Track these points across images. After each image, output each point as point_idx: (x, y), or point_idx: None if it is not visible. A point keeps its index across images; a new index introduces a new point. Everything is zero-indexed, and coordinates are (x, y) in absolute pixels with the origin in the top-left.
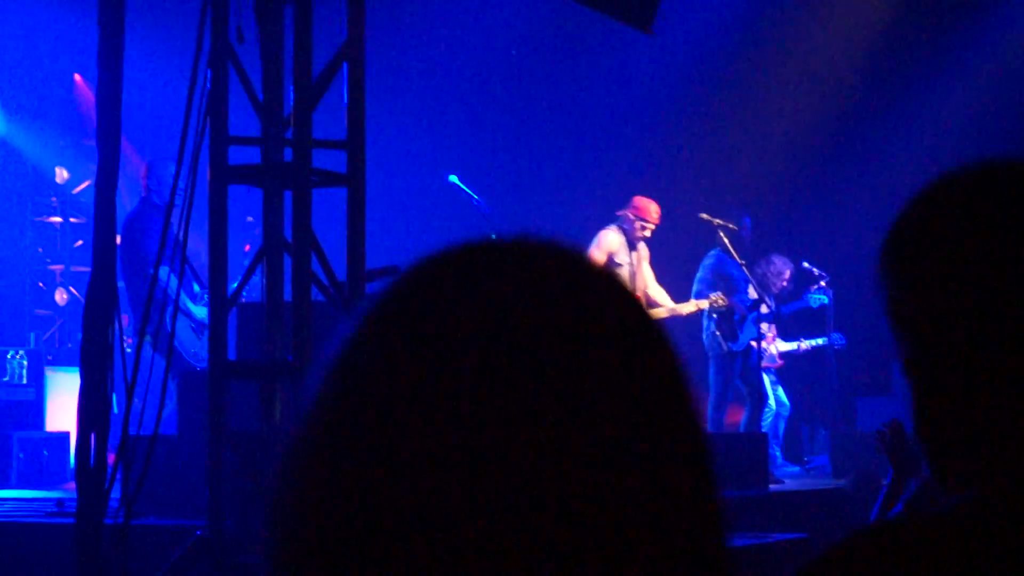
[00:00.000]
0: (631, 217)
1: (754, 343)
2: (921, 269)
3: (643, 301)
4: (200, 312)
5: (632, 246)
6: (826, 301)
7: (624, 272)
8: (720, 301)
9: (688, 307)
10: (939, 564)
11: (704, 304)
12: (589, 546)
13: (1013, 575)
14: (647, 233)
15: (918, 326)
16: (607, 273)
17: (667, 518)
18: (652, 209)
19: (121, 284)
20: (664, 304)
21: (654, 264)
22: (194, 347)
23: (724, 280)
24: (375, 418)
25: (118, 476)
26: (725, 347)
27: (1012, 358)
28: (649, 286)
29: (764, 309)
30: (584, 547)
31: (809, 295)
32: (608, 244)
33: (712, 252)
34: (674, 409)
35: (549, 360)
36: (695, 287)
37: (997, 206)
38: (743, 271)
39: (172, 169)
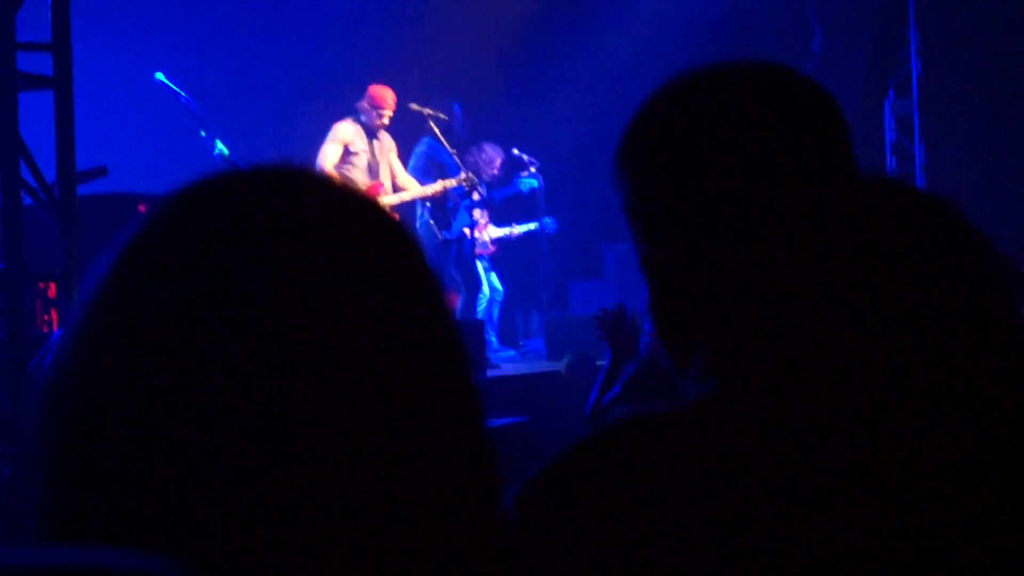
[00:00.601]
0: (367, 107)
1: (467, 230)
2: (655, 166)
3: (389, 189)
4: None
5: (372, 136)
6: (536, 185)
7: (362, 161)
8: (471, 178)
9: (435, 187)
10: (681, 459)
11: (451, 182)
12: (353, 450)
13: (747, 468)
14: (385, 121)
15: (653, 222)
16: (369, 200)
17: (435, 457)
18: (387, 96)
19: None
20: (411, 189)
21: None
22: None
23: (437, 167)
24: (126, 363)
25: None
26: (440, 235)
27: (740, 252)
28: (397, 175)
29: (476, 196)
30: (348, 451)
31: (519, 179)
32: (342, 135)
33: (423, 139)
34: (423, 305)
35: (315, 291)
36: (409, 174)
37: (727, 106)
38: (454, 158)
39: None
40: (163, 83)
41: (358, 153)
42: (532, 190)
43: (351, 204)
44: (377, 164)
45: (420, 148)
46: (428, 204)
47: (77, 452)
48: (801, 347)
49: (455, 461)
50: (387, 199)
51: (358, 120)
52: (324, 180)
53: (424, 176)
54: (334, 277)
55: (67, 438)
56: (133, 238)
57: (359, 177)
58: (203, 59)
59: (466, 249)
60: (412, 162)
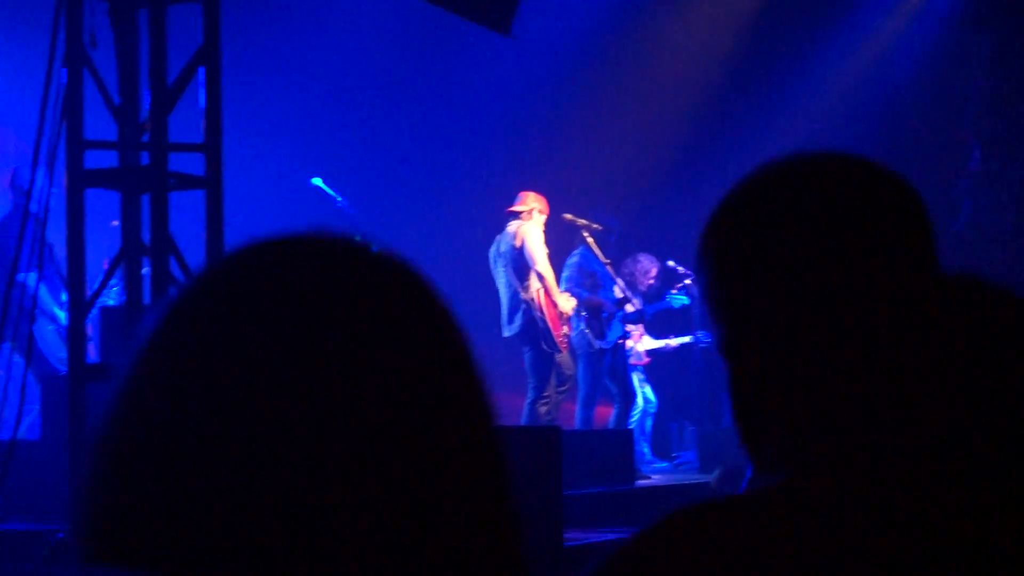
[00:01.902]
0: (538, 213)
1: (621, 341)
2: (736, 256)
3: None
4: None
5: None
6: (687, 302)
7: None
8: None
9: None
10: (737, 546)
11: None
12: (376, 547)
13: (806, 559)
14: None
15: (733, 311)
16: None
17: (453, 514)
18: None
19: None
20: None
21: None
22: (61, 352)
23: (589, 277)
24: (168, 418)
25: None
26: (595, 345)
27: (816, 345)
28: None
29: (630, 308)
30: (369, 548)
31: (670, 296)
32: (540, 236)
33: (576, 251)
34: (461, 398)
35: (336, 351)
36: (563, 286)
37: (809, 197)
38: (606, 269)
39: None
40: (319, 187)
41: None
42: (683, 306)
43: (387, 270)
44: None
45: (573, 259)
46: (584, 313)
47: (116, 493)
48: (873, 443)
49: (473, 527)
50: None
51: (536, 224)
52: (360, 247)
53: (577, 286)
54: (363, 341)
55: (111, 474)
56: (180, 297)
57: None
58: (357, 163)
59: (620, 359)
60: (565, 272)
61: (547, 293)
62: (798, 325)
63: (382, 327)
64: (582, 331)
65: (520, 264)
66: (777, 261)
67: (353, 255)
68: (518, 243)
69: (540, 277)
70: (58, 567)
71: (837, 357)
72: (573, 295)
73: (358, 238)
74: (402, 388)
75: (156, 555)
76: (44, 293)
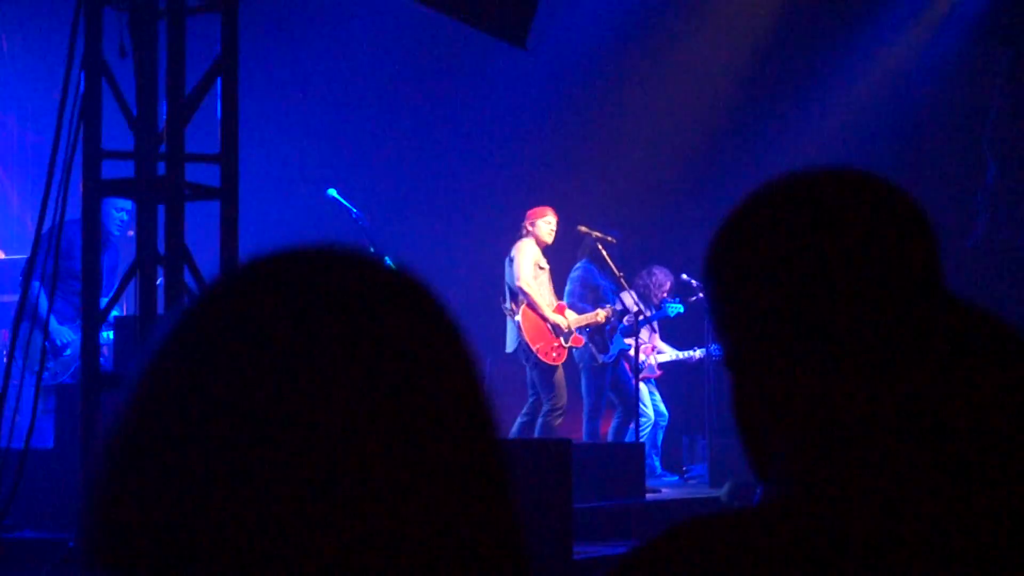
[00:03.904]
0: (544, 224)
1: (634, 353)
2: (740, 271)
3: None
4: (59, 331)
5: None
6: (682, 310)
7: (545, 278)
8: (616, 312)
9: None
10: (743, 558)
11: (603, 314)
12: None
13: (806, 572)
14: (551, 238)
15: (738, 324)
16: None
17: (456, 524)
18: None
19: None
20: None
21: None
22: (48, 363)
23: (592, 291)
24: (176, 427)
25: None
26: (598, 360)
27: (822, 359)
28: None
29: (626, 321)
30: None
31: (667, 304)
32: (532, 254)
33: (579, 264)
34: (467, 412)
35: (344, 363)
36: (566, 300)
37: (810, 213)
38: (610, 282)
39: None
40: (335, 199)
41: (544, 270)
42: (678, 314)
43: (396, 285)
44: (549, 282)
45: (575, 273)
46: (587, 328)
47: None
48: (878, 458)
49: (478, 538)
50: (576, 319)
51: (533, 239)
52: (370, 261)
53: (580, 300)
54: (370, 353)
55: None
56: (192, 307)
57: (547, 294)
58: (372, 175)
59: (621, 371)
60: (568, 286)
61: (529, 308)
62: (802, 339)
63: (389, 341)
64: (586, 345)
65: (510, 282)
66: (781, 275)
67: (363, 268)
68: (511, 259)
69: (522, 292)
70: (72, 575)
71: (841, 371)
72: (575, 310)
73: (369, 251)
74: (407, 401)
75: (161, 564)
76: (43, 303)
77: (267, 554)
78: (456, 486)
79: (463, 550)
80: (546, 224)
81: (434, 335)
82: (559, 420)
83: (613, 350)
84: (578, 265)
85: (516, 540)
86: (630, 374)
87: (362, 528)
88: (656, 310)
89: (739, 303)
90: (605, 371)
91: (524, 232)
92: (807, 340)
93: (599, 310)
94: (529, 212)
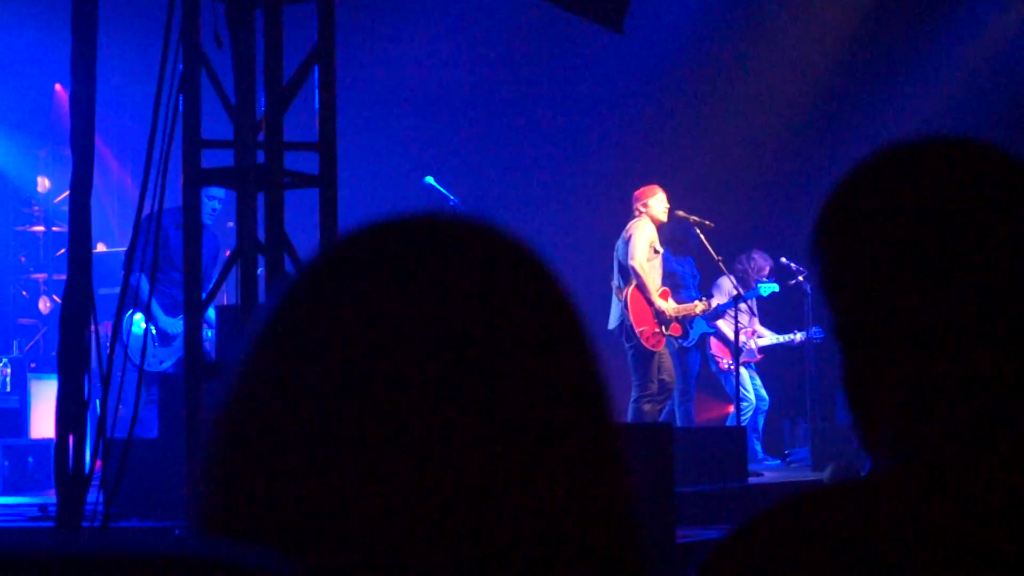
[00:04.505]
0: (656, 204)
1: (734, 337)
2: (852, 240)
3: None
4: (167, 321)
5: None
6: (776, 289)
7: (658, 261)
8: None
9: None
10: (854, 529)
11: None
12: (494, 532)
13: (923, 543)
14: (666, 216)
15: (848, 294)
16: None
17: (573, 507)
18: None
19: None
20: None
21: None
22: (154, 350)
23: (669, 277)
24: (290, 403)
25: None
26: (676, 344)
27: (934, 325)
28: None
29: (701, 308)
30: (490, 534)
31: (759, 284)
32: (649, 233)
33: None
34: (581, 387)
35: (456, 337)
36: None
37: (927, 181)
38: (687, 267)
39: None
40: (432, 186)
41: (659, 253)
42: (772, 293)
43: (504, 247)
44: (660, 266)
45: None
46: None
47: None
48: (996, 419)
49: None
50: (678, 307)
51: (648, 219)
52: (477, 226)
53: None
54: (484, 326)
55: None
56: (301, 276)
57: (656, 277)
58: (470, 162)
59: (705, 354)
60: None
61: (638, 290)
62: (915, 309)
63: (504, 312)
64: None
65: (623, 260)
66: (895, 244)
67: (466, 232)
68: (626, 238)
69: (634, 273)
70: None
71: (955, 342)
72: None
73: (469, 217)
74: (523, 376)
75: (272, 550)
76: (144, 292)
77: (386, 541)
78: (574, 467)
79: (581, 535)
80: (659, 203)
81: (551, 306)
82: (648, 406)
83: (694, 334)
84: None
85: (632, 524)
86: (715, 357)
87: (481, 510)
88: (754, 293)
89: (851, 274)
90: (688, 354)
91: (637, 213)
92: (922, 312)
93: (697, 302)
94: (637, 193)
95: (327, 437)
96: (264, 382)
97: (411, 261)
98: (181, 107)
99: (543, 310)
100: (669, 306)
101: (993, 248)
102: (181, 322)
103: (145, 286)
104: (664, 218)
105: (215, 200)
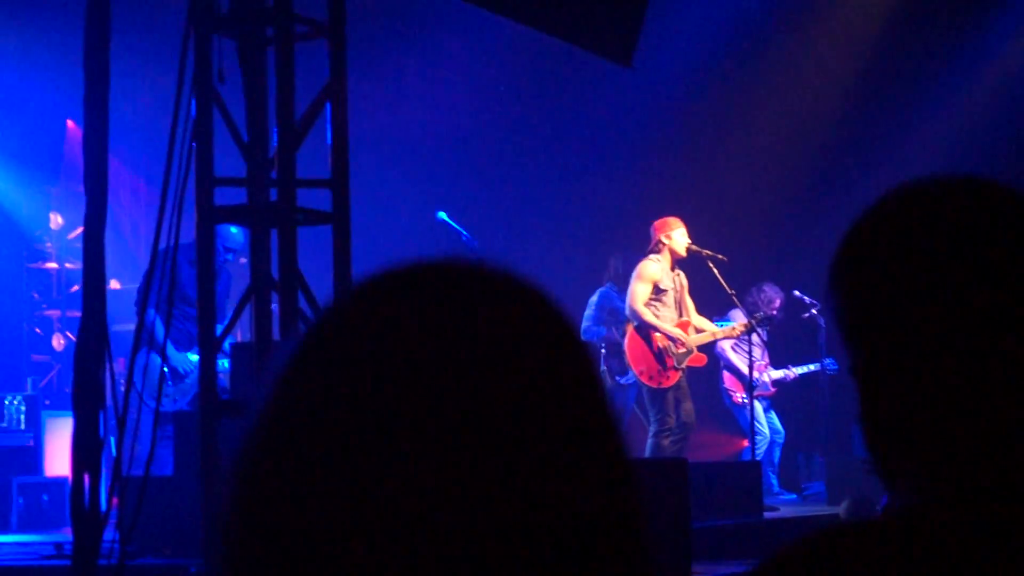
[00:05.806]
0: (673, 239)
1: (747, 371)
2: (869, 279)
3: (686, 326)
4: (180, 359)
5: (673, 272)
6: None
7: (670, 298)
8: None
9: (728, 331)
10: (874, 571)
11: (740, 328)
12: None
13: None
14: (683, 250)
15: (865, 333)
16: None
17: (587, 544)
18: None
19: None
20: (707, 329)
21: None
22: (168, 389)
23: (611, 314)
24: (307, 440)
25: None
26: (611, 380)
27: (951, 366)
28: (691, 313)
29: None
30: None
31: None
32: (651, 274)
33: (599, 290)
34: (590, 418)
35: (471, 377)
36: (584, 324)
37: (943, 220)
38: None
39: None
40: (445, 221)
41: (667, 291)
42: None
43: (516, 296)
44: (682, 300)
45: (593, 298)
46: (603, 350)
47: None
48: (1009, 469)
49: (607, 556)
50: (695, 338)
51: (659, 258)
52: (490, 271)
53: (596, 323)
54: (496, 370)
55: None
56: (320, 320)
57: (668, 314)
58: (482, 197)
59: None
60: (587, 311)
61: (636, 332)
62: (933, 348)
63: (516, 355)
64: (600, 368)
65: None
66: (912, 284)
67: (483, 279)
68: (633, 276)
69: (632, 316)
70: None
71: (973, 380)
72: (590, 333)
73: (486, 263)
74: (535, 418)
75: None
76: (159, 330)
77: None
78: (588, 503)
79: (595, 569)
80: (682, 236)
81: (560, 348)
82: (666, 441)
83: (631, 374)
84: (598, 291)
85: (646, 559)
86: (729, 391)
87: (498, 551)
88: (766, 326)
89: (868, 312)
90: (628, 392)
91: (658, 246)
92: (939, 350)
93: (716, 329)
94: (658, 223)
95: (348, 481)
96: (283, 426)
97: (428, 308)
98: (195, 146)
99: (555, 358)
100: (689, 337)
101: (1013, 288)
102: (192, 358)
103: (160, 328)
104: (684, 253)
105: (230, 253)
